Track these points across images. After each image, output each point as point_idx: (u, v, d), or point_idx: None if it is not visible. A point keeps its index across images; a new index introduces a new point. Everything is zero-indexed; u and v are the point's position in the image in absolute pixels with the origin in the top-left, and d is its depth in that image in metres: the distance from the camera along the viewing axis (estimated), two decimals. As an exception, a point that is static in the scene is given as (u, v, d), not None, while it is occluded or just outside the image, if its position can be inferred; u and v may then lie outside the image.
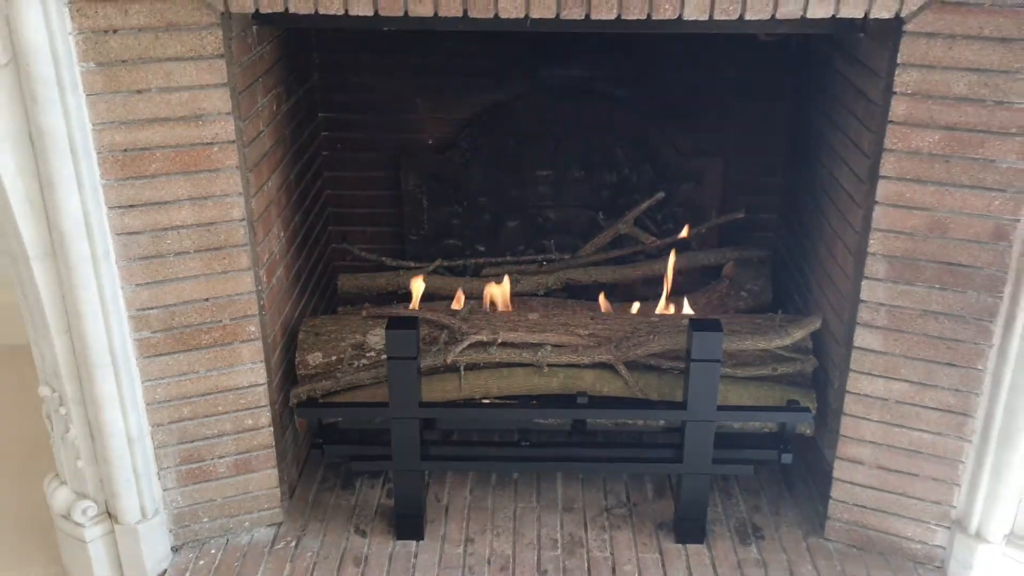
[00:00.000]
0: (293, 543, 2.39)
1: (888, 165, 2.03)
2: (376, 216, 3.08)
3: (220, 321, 2.20)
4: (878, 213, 2.07)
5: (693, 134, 2.94)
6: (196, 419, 2.27)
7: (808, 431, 2.44)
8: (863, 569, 2.31)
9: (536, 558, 2.35)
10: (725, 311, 2.72)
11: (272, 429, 2.35)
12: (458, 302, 2.70)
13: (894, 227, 2.07)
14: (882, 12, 1.88)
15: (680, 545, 2.39)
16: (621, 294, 2.84)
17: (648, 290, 2.85)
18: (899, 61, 1.94)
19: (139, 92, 1.96)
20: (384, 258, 2.92)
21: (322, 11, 1.92)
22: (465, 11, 1.92)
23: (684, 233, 2.82)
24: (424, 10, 1.91)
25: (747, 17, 1.90)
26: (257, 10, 1.93)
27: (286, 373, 2.47)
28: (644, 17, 1.91)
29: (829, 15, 1.89)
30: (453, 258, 2.93)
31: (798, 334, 2.37)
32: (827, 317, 2.42)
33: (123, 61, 1.93)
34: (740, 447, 2.42)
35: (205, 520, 2.38)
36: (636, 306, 2.72)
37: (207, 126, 2.03)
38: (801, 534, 2.43)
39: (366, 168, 3.02)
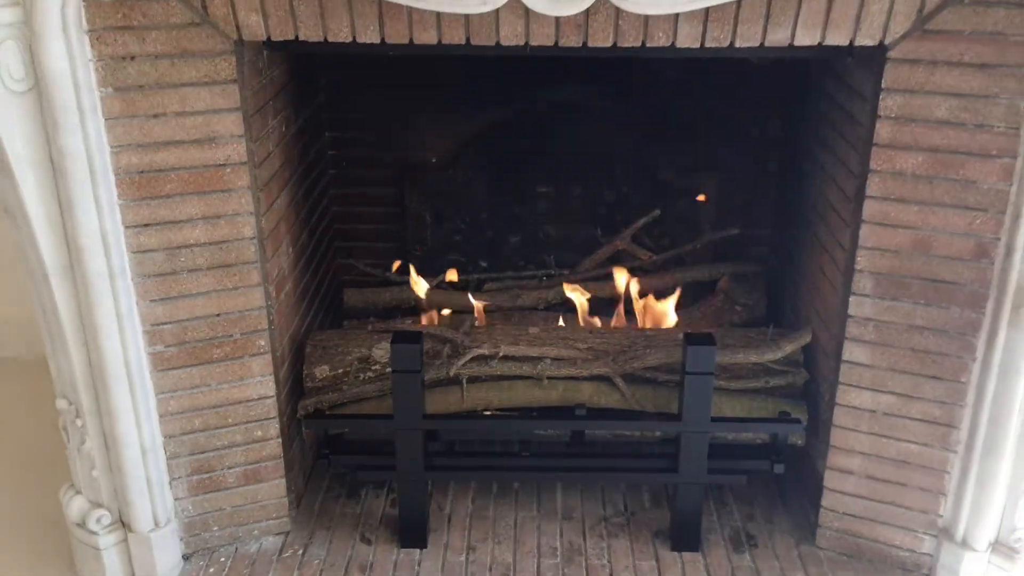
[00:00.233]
0: (300, 551, 2.44)
1: (874, 185, 2.09)
2: (380, 232, 3.12)
3: (231, 336, 2.25)
4: (864, 231, 2.13)
5: (689, 153, 2.98)
6: (207, 430, 2.32)
7: (800, 442, 2.48)
8: None
9: (536, 566, 2.40)
10: (720, 324, 2.78)
11: (280, 440, 2.40)
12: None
13: (880, 245, 2.13)
14: (866, 40, 1.94)
15: (676, 553, 2.44)
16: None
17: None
18: (883, 86, 2.00)
19: (155, 116, 2.02)
20: (388, 273, 2.97)
21: (331, 38, 1.99)
22: (468, 39, 1.98)
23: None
24: (429, 38, 1.98)
25: (737, 45, 1.96)
26: (269, 38, 1.99)
27: (294, 386, 2.52)
28: (639, 45, 1.97)
29: (816, 42, 1.95)
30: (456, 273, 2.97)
31: (789, 348, 2.44)
32: (817, 331, 2.47)
33: (140, 87, 1.99)
34: (734, 457, 2.47)
35: (215, 529, 2.43)
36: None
37: (220, 148, 2.09)
38: (793, 542, 2.47)
39: (371, 186, 3.07)
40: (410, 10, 1.92)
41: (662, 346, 2.48)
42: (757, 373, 2.48)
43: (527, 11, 1.88)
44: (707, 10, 1.90)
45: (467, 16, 1.93)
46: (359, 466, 2.54)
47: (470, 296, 2.84)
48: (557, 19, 1.93)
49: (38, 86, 1.90)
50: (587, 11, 1.85)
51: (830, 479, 2.38)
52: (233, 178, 2.13)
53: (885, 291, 2.16)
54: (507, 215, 3.11)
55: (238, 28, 1.98)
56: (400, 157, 3.05)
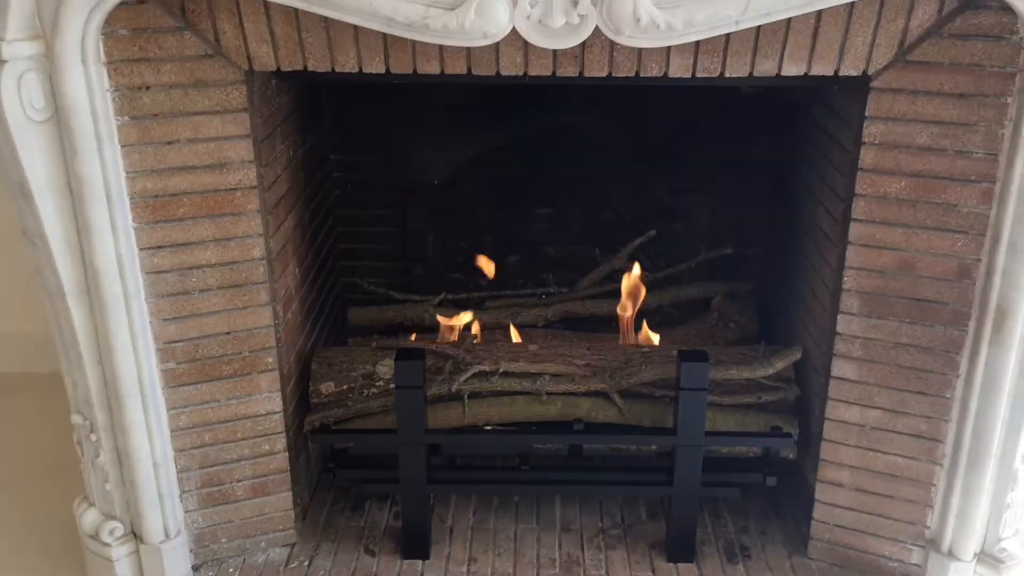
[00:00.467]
0: (306, 562, 2.49)
1: (859, 208, 2.14)
2: (384, 252, 3.16)
3: (240, 353, 2.31)
4: (851, 252, 2.18)
5: (684, 174, 3.03)
6: (217, 445, 2.36)
7: (791, 455, 2.53)
8: None
9: None
10: (714, 342, 2.81)
11: (287, 454, 2.44)
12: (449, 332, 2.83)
13: (866, 265, 2.18)
14: (850, 70, 2.01)
15: (672, 564, 2.47)
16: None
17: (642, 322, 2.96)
18: (867, 114, 2.06)
19: (169, 143, 2.08)
20: (392, 292, 3.01)
21: (338, 69, 2.05)
22: (469, 69, 2.05)
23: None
24: (432, 69, 2.05)
25: (727, 75, 2.03)
26: (278, 68, 2.06)
27: (300, 402, 2.57)
28: (633, 75, 2.04)
29: (802, 73, 2.02)
30: (457, 292, 3.01)
31: (780, 364, 2.49)
32: (808, 348, 2.52)
33: (155, 115, 2.05)
34: (727, 471, 2.50)
35: (223, 540, 2.47)
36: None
37: (231, 173, 2.15)
38: (786, 553, 2.51)
39: (374, 207, 3.11)
40: (414, 43, 1.99)
41: (657, 362, 2.52)
42: (750, 389, 2.52)
43: (526, 44, 1.95)
44: (698, 43, 1.96)
45: (469, 48, 1.99)
46: (363, 480, 2.59)
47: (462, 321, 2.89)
48: (554, 51, 1.99)
49: (58, 115, 1.96)
50: (583, 43, 1.91)
51: (821, 492, 2.42)
52: (243, 202, 2.19)
53: (871, 310, 2.21)
54: (507, 235, 3.14)
55: (249, 59, 2.04)
56: (403, 179, 3.08)
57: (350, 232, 3.13)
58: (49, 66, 1.92)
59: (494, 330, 2.90)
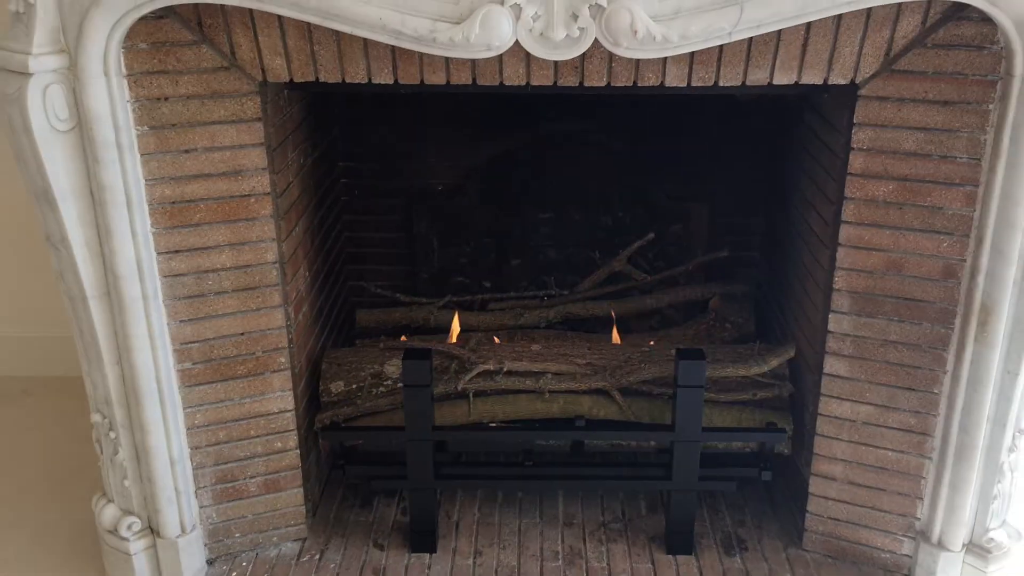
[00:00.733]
0: (317, 556, 2.54)
1: (849, 211, 2.20)
2: (390, 256, 3.21)
3: (254, 353, 2.37)
4: (841, 253, 2.24)
5: (682, 179, 3.08)
6: (231, 442, 2.42)
7: (786, 450, 2.59)
8: None
9: (539, 569, 2.49)
10: (711, 341, 2.87)
11: (298, 452, 2.50)
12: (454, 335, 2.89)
13: (856, 266, 2.24)
14: (839, 79, 2.07)
15: (671, 556, 2.53)
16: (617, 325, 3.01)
17: (640, 322, 3.03)
18: (855, 120, 2.13)
19: (186, 152, 2.15)
20: (398, 295, 3.07)
21: (348, 80, 2.12)
22: (474, 80, 2.12)
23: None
24: (438, 79, 2.12)
25: (721, 84, 2.09)
26: (291, 79, 2.13)
27: (311, 400, 2.63)
28: (630, 84, 2.11)
29: (792, 82, 2.08)
30: (461, 294, 3.07)
31: (774, 362, 2.56)
32: (801, 346, 2.58)
33: (173, 125, 2.11)
34: (724, 465, 2.56)
35: (237, 535, 2.53)
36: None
37: (245, 180, 2.22)
38: (781, 545, 2.56)
39: (381, 212, 3.17)
40: (421, 55, 2.06)
41: (656, 361, 2.60)
42: (745, 386, 2.59)
43: (528, 56, 2.01)
44: (693, 54, 2.03)
45: (473, 60, 2.06)
46: (372, 476, 2.63)
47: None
48: (555, 62, 2.07)
49: (80, 125, 2.02)
50: (583, 55, 1.97)
51: (815, 485, 2.47)
52: (257, 207, 2.25)
53: (861, 308, 2.27)
54: (510, 239, 3.19)
55: (263, 71, 2.11)
56: (409, 185, 3.13)
57: (357, 237, 3.19)
58: (73, 78, 1.98)
59: (498, 331, 2.96)
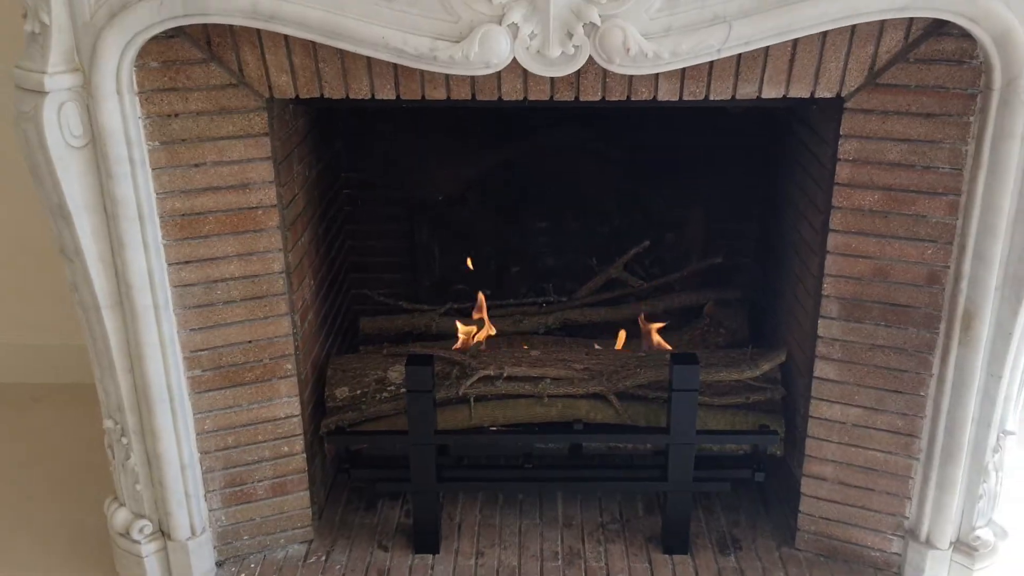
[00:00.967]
0: (323, 557, 2.59)
1: (836, 220, 2.25)
2: (392, 264, 3.25)
3: (261, 360, 2.41)
4: (830, 261, 2.29)
5: (677, 188, 3.10)
6: (239, 447, 2.46)
7: (778, 452, 2.64)
8: (829, 575, 2.50)
9: (539, 569, 2.54)
10: (706, 346, 2.93)
11: (305, 456, 2.54)
12: (464, 344, 2.94)
13: (844, 273, 2.29)
14: (825, 93, 2.13)
15: (667, 556, 2.57)
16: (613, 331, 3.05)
17: (635, 327, 3.07)
18: (842, 132, 2.18)
19: (196, 166, 2.20)
20: (400, 302, 3.11)
21: (352, 96, 2.18)
22: (473, 95, 2.17)
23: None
24: (439, 95, 2.17)
25: (711, 98, 2.15)
26: (297, 96, 2.18)
27: (316, 406, 2.67)
28: (624, 98, 2.16)
29: (780, 95, 2.14)
30: (462, 301, 3.09)
31: (766, 366, 2.60)
32: (792, 351, 2.63)
33: (183, 140, 2.17)
34: (718, 467, 2.60)
35: (245, 537, 2.57)
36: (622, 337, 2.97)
37: (253, 193, 2.27)
38: (774, 544, 2.61)
39: (383, 221, 3.20)
40: (422, 71, 2.12)
41: (651, 366, 2.64)
42: (738, 389, 2.63)
43: (525, 72, 2.07)
44: (684, 69, 2.10)
45: (473, 76, 2.12)
46: (376, 479, 2.68)
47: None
48: (552, 78, 2.12)
49: (94, 142, 2.07)
50: (578, 71, 2.03)
51: (806, 486, 2.51)
52: (264, 219, 2.31)
53: (849, 314, 2.32)
54: (509, 247, 3.21)
55: (270, 88, 2.17)
56: (410, 195, 3.14)
57: (360, 246, 3.22)
58: (87, 96, 2.04)
59: (498, 337, 3.01)
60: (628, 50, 1.96)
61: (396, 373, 2.68)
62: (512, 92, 2.18)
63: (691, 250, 3.18)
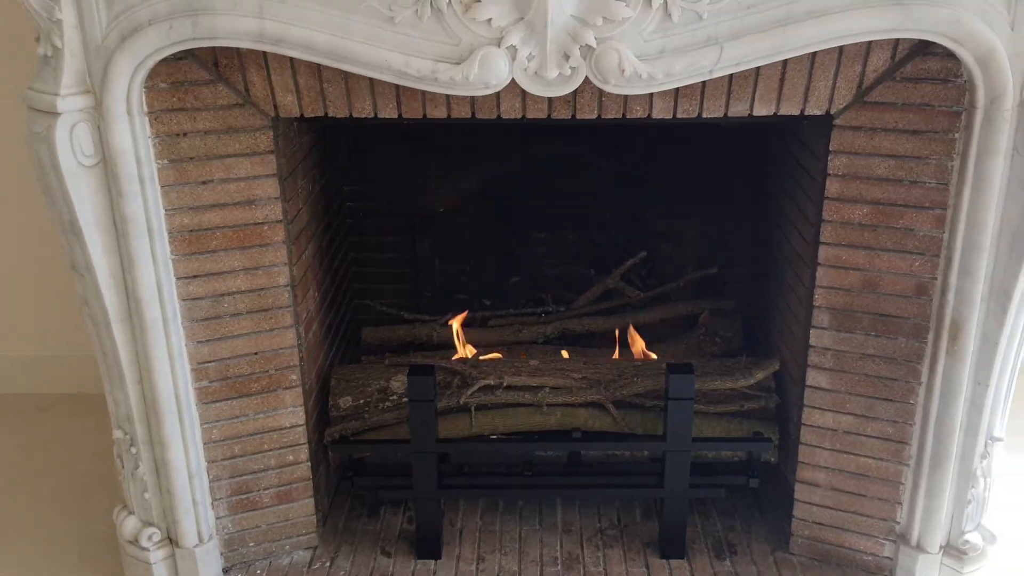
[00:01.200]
0: (328, 563, 2.63)
1: (827, 233, 2.30)
2: (394, 276, 3.28)
3: (267, 371, 2.46)
4: (820, 272, 2.33)
5: (673, 200, 3.15)
6: (245, 456, 2.50)
7: (772, 459, 2.68)
8: None
9: (539, 573, 2.58)
10: (701, 356, 2.97)
11: (309, 464, 2.58)
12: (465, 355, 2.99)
13: (834, 284, 2.33)
14: (814, 110, 2.18)
15: (664, 560, 2.61)
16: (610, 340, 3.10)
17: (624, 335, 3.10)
18: (831, 148, 2.23)
19: (204, 183, 2.24)
20: (402, 312, 3.15)
21: (355, 115, 2.22)
22: (473, 113, 2.22)
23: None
24: (439, 113, 2.22)
25: (704, 115, 2.20)
26: (301, 114, 2.23)
27: (321, 415, 2.71)
28: (620, 116, 2.22)
29: (771, 113, 2.19)
30: (462, 311, 3.13)
31: (760, 375, 2.65)
32: (785, 360, 2.68)
33: (191, 158, 2.21)
34: (714, 473, 2.64)
35: (251, 544, 2.61)
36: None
37: (259, 209, 2.32)
38: (769, 549, 2.65)
39: (385, 233, 3.24)
40: (424, 92, 2.17)
41: (648, 375, 2.68)
42: (733, 398, 2.67)
43: (523, 92, 2.12)
44: (677, 88, 2.14)
45: (473, 96, 2.17)
46: (379, 487, 2.70)
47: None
48: (549, 98, 2.18)
49: (105, 161, 2.12)
50: (575, 91, 2.08)
51: (800, 492, 2.55)
52: (270, 234, 2.35)
53: (840, 324, 2.37)
54: (508, 258, 3.25)
55: (275, 107, 2.22)
56: (411, 208, 3.19)
57: (363, 258, 3.27)
58: (98, 117, 2.09)
59: (497, 346, 3.05)
60: (623, 71, 2.01)
61: (398, 383, 2.73)
62: (511, 111, 2.23)
63: (687, 261, 3.22)
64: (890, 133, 2.19)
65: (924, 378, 2.33)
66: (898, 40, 2.10)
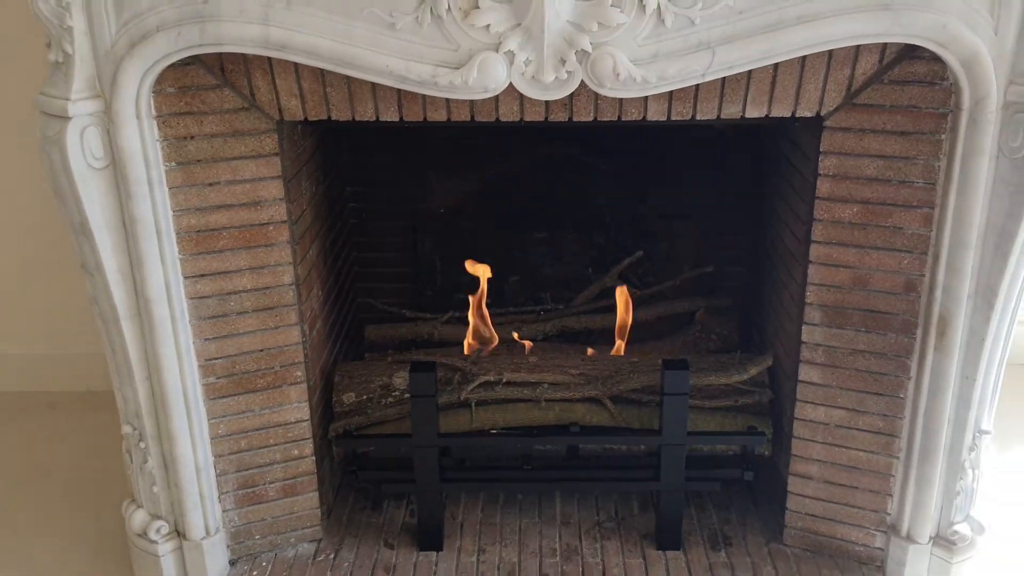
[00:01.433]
0: (332, 555, 2.67)
1: (818, 231, 2.35)
2: (396, 275, 3.32)
3: (272, 368, 2.50)
4: (812, 270, 2.38)
5: (670, 200, 3.18)
6: (251, 450, 2.54)
7: (767, 452, 2.72)
8: (816, 570, 2.57)
9: (538, 565, 2.62)
10: (698, 352, 3.01)
11: (314, 459, 2.62)
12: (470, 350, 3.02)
13: (825, 281, 2.38)
14: (805, 112, 2.23)
15: (660, 552, 2.65)
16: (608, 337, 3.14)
17: (632, 334, 3.16)
18: (821, 149, 2.27)
19: (210, 185, 2.28)
20: (404, 311, 3.19)
21: (358, 118, 2.27)
22: (472, 116, 2.27)
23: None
24: (439, 117, 2.27)
25: (698, 117, 2.25)
26: (305, 118, 2.28)
27: (325, 410, 2.75)
28: (615, 119, 2.26)
29: (763, 115, 2.24)
30: (463, 310, 3.15)
31: (754, 370, 2.69)
32: (778, 355, 2.72)
33: (198, 161, 2.26)
34: (709, 467, 2.68)
35: (257, 537, 2.64)
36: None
37: (264, 210, 2.36)
38: (763, 541, 2.69)
39: (387, 234, 3.27)
40: (424, 96, 2.22)
41: (644, 371, 2.72)
42: (728, 393, 2.71)
43: (521, 95, 2.17)
44: (671, 92, 2.19)
45: (472, 100, 2.22)
46: (382, 480, 2.75)
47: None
48: (546, 101, 2.23)
49: (114, 164, 2.16)
50: (571, 94, 2.12)
51: (793, 484, 2.59)
52: (275, 234, 2.40)
53: (831, 320, 2.41)
54: (508, 258, 3.27)
55: (280, 111, 2.27)
56: (412, 208, 3.22)
57: (365, 257, 3.30)
58: (108, 121, 2.14)
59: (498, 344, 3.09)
60: (618, 75, 2.06)
61: (400, 379, 2.76)
62: (509, 114, 2.28)
63: (683, 260, 3.24)
64: (879, 134, 2.24)
65: (913, 373, 2.37)
66: (886, 44, 2.15)
